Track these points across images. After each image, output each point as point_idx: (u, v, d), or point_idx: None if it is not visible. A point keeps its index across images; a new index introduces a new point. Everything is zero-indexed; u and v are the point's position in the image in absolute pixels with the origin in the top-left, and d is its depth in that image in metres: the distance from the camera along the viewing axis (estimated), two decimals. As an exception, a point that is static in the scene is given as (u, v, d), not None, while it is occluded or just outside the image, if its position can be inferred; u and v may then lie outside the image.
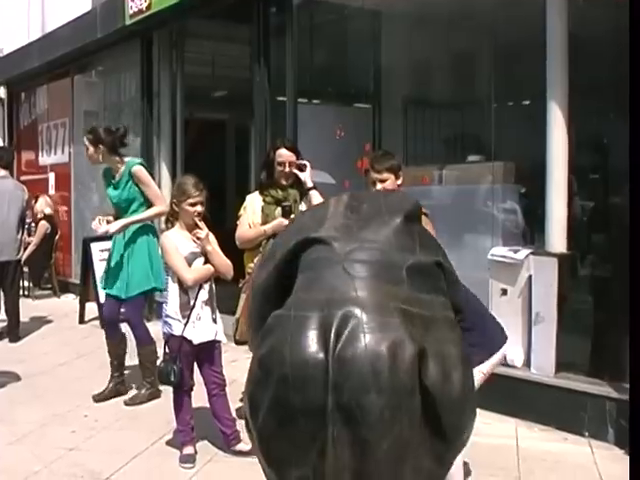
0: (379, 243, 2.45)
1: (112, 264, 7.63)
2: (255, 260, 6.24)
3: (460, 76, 10.28)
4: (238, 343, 6.23)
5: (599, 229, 7.62)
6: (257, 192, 6.51)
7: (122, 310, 7.79)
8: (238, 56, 12.82)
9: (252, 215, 6.39)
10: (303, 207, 6.34)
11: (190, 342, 5.88)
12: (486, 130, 8.16)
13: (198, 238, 5.89)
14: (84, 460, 5.99)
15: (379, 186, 5.85)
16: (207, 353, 6.02)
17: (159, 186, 11.70)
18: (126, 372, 7.92)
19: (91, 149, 7.57)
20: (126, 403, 7.46)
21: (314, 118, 10.15)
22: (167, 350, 5.97)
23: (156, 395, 7.54)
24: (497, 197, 7.72)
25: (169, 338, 5.94)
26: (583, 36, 7.10)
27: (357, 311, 2.28)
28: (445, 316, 2.39)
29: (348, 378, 2.08)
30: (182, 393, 6.02)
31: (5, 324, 10.68)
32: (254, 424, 2.29)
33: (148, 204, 7.61)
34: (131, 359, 7.85)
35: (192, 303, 5.89)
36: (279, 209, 6.37)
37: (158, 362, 6.03)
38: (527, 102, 8.83)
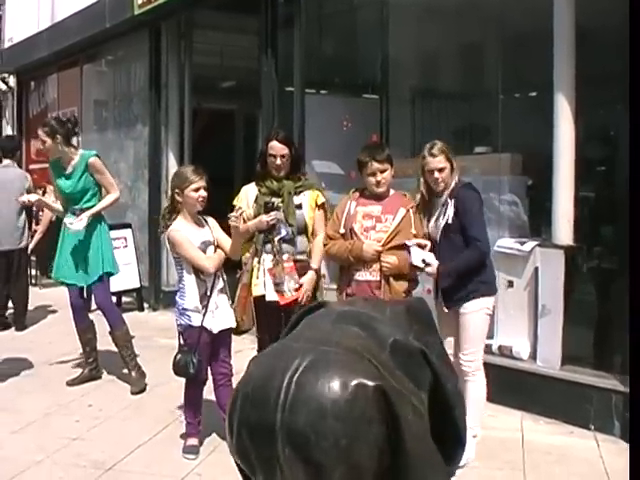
0: (376, 315, 2.45)
1: (66, 253, 7.68)
2: (249, 252, 6.25)
3: (467, 67, 10.24)
4: (235, 333, 6.21)
5: (606, 221, 7.57)
6: (253, 183, 6.48)
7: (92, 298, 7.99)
8: (246, 46, 12.79)
9: (246, 208, 6.36)
10: (296, 200, 6.30)
11: (209, 332, 5.89)
12: (493, 121, 8.12)
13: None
14: (87, 450, 5.99)
15: (379, 177, 5.87)
16: (221, 342, 6.04)
17: (166, 175, 11.74)
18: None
19: (48, 141, 7.62)
20: (133, 392, 7.49)
21: (322, 108, 10.12)
22: (182, 342, 5.95)
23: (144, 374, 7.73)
24: (504, 188, 7.68)
25: (186, 329, 5.92)
26: (590, 27, 7.05)
27: (329, 348, 2.29)
28: (411, 401, 2.37)
29: (306, 403, 2.07)
30: (196, 386, 6.01)
31: (12, 312, 10.71)
32: (229, 442, 2.28)
33: (99, 193, 7.77)
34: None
35: (209, 293, 5.88)
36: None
37: (174, 354, 5.99)
38: (534, 93, 8.78)
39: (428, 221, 5.91)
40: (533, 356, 7.08)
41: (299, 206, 6.29)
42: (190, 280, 5.90)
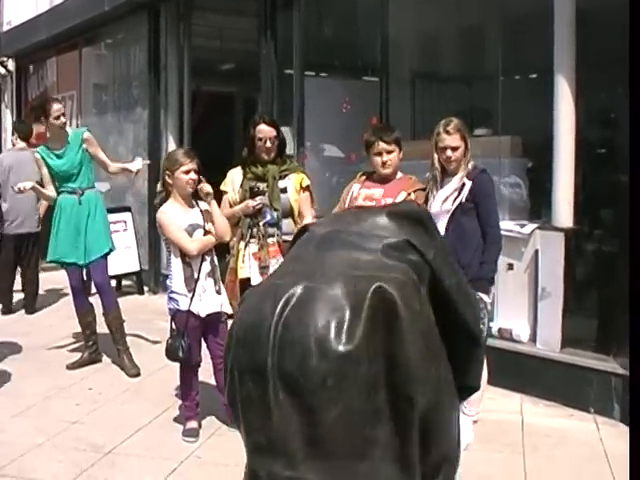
0: (360, 226, 2.43)
1: (63, 233, 7.69)
2: (235, 238, 6.26)
3: (468, 49, 10.19)
4: (229, 317, 6.23)
5: (606, 204, 7.55)
6: (239, 167, 6.50)
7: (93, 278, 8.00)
8: (245, 29, 12.74)
9: (232, 193, 6.40)
10: (282, 184, 6.32)
11: (197, 316, 5.88)
12: (493, 104, 8.09)
13: (206, 194, 5.87)
14: (87, 433, 6.00)
15: (386, 157, 5.86)
16: (213, 326, 6.02)
17: (166, 159, 11.70)
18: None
19: (42, 127, 7.70)
20: (130, 376, 7.50)
21: (321, 91, 10.10)
22: (174, 326, 5.95)
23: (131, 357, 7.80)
24: (504, 171, 7.65)
25: (175, 314, 5.92)
26: (591, 9, 7.01)
27: (315, 284, 2.26)
28: (413, 279, 2.32)
29: (292, 343, 2.06)
30: (189, 369, 6.02)
31: (21, 297, 10.73)
32: (225, 387, 2.25)
33: (93, 170, 7.93)
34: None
35: (196, 276, 5.87)
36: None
37: (166, 339, 6.00)
38: (535, 76, 8.74)
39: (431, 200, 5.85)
40: (533, 339, 7.08)
41: (284, 190, 6.33)
42: (177, 263, 5.91)
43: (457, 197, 5.65)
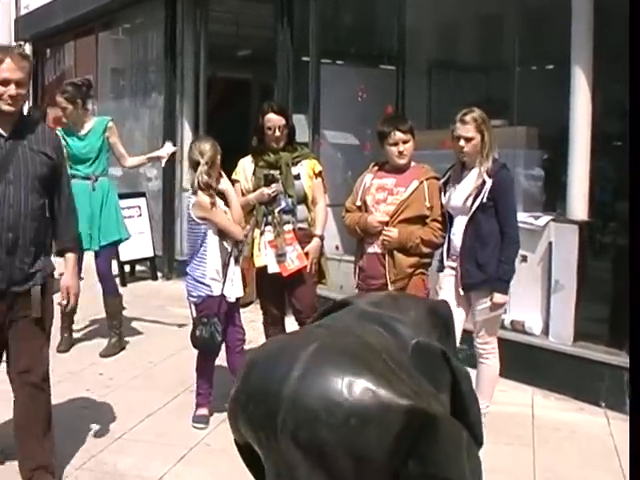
0: (399, 316, 2.43)
1: (79, 218, 7.65)
2: (249, 225, 6.26)
3: (485, 39, 10.14)
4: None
5: (621, 197, 7.49)
6: (249, 156, 6.48)
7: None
8: (262, 15, 12.69)
9: (244, 182, 6.39)
10: (294, 171, 6.31)
11: (227, 300, 5.92)
12: (510, 94, 8.06)
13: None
14: (97, 418, 6.00)
15: (402, 147, 5.77)
16: (235, 309, 6.08)
17: (181, 144, 11.71)
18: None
19: (70, 108, 7.68)
20: (101, 355, 7.66)
21: (337, 79, 10.08)
22: (196, 313, 5.94)
23: (123, 346, 7.90)
24: (519, 162, 7.62)
25: (205, 300, 5.91)
26: (609, 1, 6.95)
27: (347, 338, 2.23)
28: (430, 403, 2.32)
29: (320, 377, 2.04)
30: (212, 356, 6.03)
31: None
32: (229, 408, 2.22)
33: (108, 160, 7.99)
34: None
35: (228, 261, 5.88)
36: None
37: (191, 326, 5.97)
38: (551, 66, 8.69)
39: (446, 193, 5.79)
40: (545, 331, 7.06)
41: (297, 176, 6.32)
42: (214, 248, 5.88)
43: (478, 196, 5.53)
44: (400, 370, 2.24)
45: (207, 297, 5.89)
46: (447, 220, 5.73)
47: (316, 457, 2.10)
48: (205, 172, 5.80)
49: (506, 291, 5.58)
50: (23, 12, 17.67)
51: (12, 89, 4.38)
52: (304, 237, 6.33)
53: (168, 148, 8.08)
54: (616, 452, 5.51)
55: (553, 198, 7.61)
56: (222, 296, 5.89)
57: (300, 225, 6.35)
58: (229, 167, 6.17)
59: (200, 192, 5.82)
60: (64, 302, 4.75)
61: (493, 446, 5.50)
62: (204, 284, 5.88)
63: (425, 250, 5.78)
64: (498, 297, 5.51)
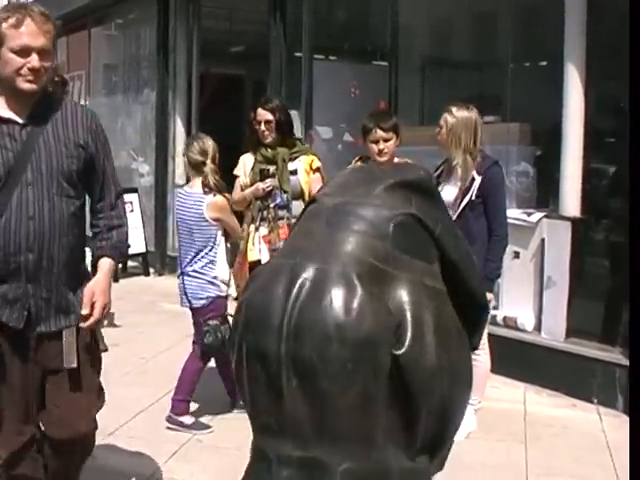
0: (370, 198, 2.40)
1: None
2: (245, 221, 6.26)
3: (478, 35, 10.14)
4: (235, 299, 6.24)
5: (614, 193, 7.50)
6: (250, 152, 6.50)
7: None
8: (255, 11, 12.68)
9: (243, 177, 6.40)
10: (292, 167, 6.30)
11: (232, 299, 5.91)
12: (503, 90, 8.05)
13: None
14: (89, 415, 5.98)
15: (382, 145, 5.72)
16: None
17: (173, 140, 11.71)
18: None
19: None
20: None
21: (330, 74, 10.07)
22: (202, 316, 5.84)
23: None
24: (512, 158, 7.61)
25: (214, 300, 5.86)
26: (602, -4, 6.97)
27: (329, 265, 2.22)
28: (423, 282, 2.34)
29: (309, 330, 2.03)
30: (208, 360, 6.00)
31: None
32: (232, 366, 2.23)
33: None
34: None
35: (232, 261, 5.95)
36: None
37: (205, 331, 5.87)
38: (544, 63, 8.69)
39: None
40: (538, 328, 7.06)
41: (294, 172, 6.30)
42: (222, 249, 5.88)
43: (466, 194, 5.51)
44: (389, 264, 2.22)
45: (217, 297, 5.86)
46: None
47: (321, 405, 2.10)
48: (214, 171, 5.80)
49: (491, 289, 5.55)
50: (15, 8, 17.59)
51: (34, 60, 3.31)
52: None
53: None
54: (608, 448, 5.51)
55: (546, 194, 7.60)
56: (228, 295, 5.91)
57: (294, 221, 6.33)
58: (222, 164, 6.14)
59: (217, 193, 5.82)
60: (85, 311, 3.48)
61: (485, 442, 5.51)
62: (215, 284, 5.86)
63: None
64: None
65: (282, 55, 9.85)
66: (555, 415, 6.22)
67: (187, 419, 5.87)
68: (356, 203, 2.34)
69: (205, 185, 5.81)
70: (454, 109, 5.65)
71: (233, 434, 5.50)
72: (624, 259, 6.91)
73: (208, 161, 5.77)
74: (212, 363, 6.14)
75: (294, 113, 9.40)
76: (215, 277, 5.85)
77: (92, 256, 3.70)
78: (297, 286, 2.12)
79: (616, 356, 6.38)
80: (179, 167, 12.05)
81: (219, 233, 5.85)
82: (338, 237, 2.23)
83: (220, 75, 14.89)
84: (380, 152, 5.74)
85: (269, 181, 6.20)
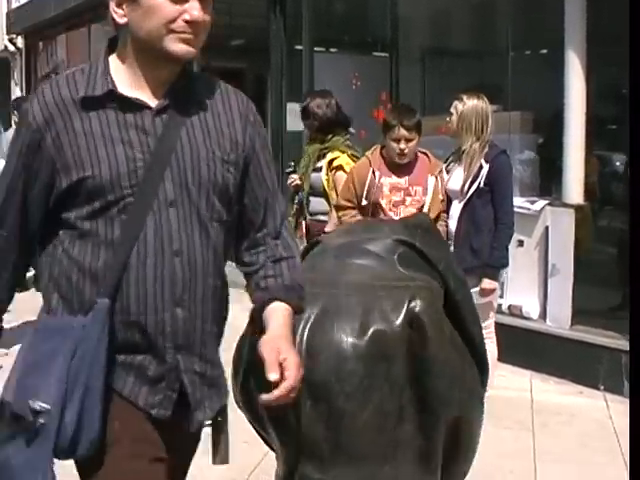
0: (374, 235, 2.42)
1: None
2: None
3: (478, 25, 10.13)
4: None
5: (617, 180, 7.52)
6: None
7: None
8: (255, 4, 12.63)
9: None
10: (320, 164, 6.30)
11: None
12: (504, 79, 8.04)
13: None
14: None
15: (404, 145, 5.43)
16: None
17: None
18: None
19: None
20: None
21: (331, 67, 10.06)
22: None
23: None
24: (514, 147, 7.61)
25: None
26: (602, -17, 6.96)
27: (339, 290, 2.25)
28: (432, 286, 2.35)
29: (324, 350, 2.04)
30: None
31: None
32: (236, 387, 2.24)
33: None
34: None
35: None
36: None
37: None
38: (545, 51, 8.68)
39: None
40: (543, 316, 7.06)
41: (319, 169, 6.28)
42: None
43: (474, 181, 5.50)
44: (397, 282, 2.24)
45: None
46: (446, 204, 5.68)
47: (337, 425, 2.11)
48: None
49: (496, 277, 5.56)
50: (15, 5, 17.60)
51: (195, 8, 2.20)
52: (318, 230, 6.04)
53: None
54: (615, 434, 5.52)
55: (549, 182, 7.61)
56: None
57: (316, 217, 6.31)
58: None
59: None
60: (274, 376, 2.08)
61: (493, 430, 5.50)
62: None
63: None
64: (487, 283, 5.49)
65: (282, 48, 9.85)
66: (562, 402, 6.23)
67: None
68: (361, 241, 2.37)
69: None
70: (465, 97, 5.65)
71: (240, 427, 5.51)
72: (628, 245, 6.95)
73: None
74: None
75: (295, 106, 9.41)
76: None
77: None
78: (307, 311, 2.13)
79: (622, 342, 6.37)
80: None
81: None
82: (346, 268, 2.25)
83: (221, 69, 14.83)
84: (401, 153, 5.46)
85: (292, 177, 6.33)
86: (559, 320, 6.86)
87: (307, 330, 2.15)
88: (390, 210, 5.48)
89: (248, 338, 2.33)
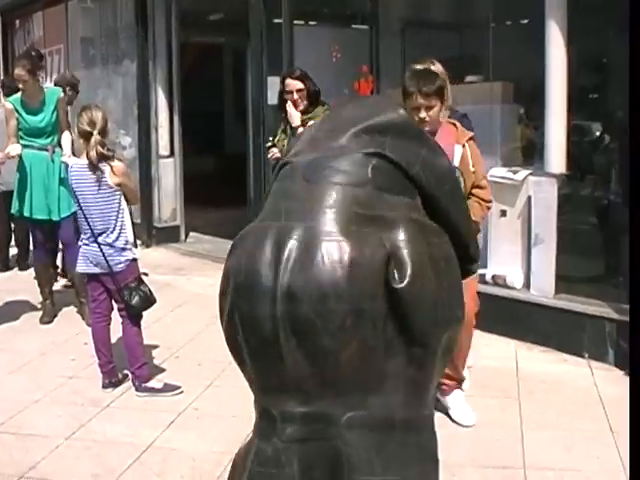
0: (343, 148, 2.39)
1: (36, 190, 7.69)
2: None
3: (458, -4, 10.11)
4: None
5: (598, 149, 7.54)
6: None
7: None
8: (233, -23, 12.60)
9: None
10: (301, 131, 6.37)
11: None
12: (484, 50, 8.04)
13: None
14: (84, 387, 6.01)
15: (424, 113, 4.93)
16: None
17: (155, 110, 11.67)
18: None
19: (30, 80, 7.60)
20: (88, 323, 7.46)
21: (311, 40, 10.02)
22: (121, 280, 5.91)
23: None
24: (496, 117, 7.63)
25: (129, 264, 5.95)
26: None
27: (315, 222, 2.22)
28: (411, 217, 2.34)
29: (305, 288, 2.04)
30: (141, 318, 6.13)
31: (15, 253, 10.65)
32: (223, 331, 2.24)
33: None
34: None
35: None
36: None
37: (126, 293, 5.91)
38: (526, 21, 8.68)
39: None
40: (527, 285, 7.10)
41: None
42: (127, 212, 5.97)
43: None
44: (373, 207, 2.23)
45: (132, 260, 5.97)
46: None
47: (322, 362, 2.12)
48: (99, 142, 5.79)
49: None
50: (-10, -17, 17.45)
51: None
52: None
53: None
54: (601, 401, 5.57)
55: (531, 152, 7.64)
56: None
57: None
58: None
59: (115, 159, 5.89)
60: None
61: (479, 400, 5.56)
62: (128, 248, 5.93)
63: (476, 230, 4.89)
64: None
65: (262, 22, 9.79)
66: (547, 371, 6.27)
67: (155, 383, 5.96)
68: (329, 157, 2.33)
69: (99, 155, 5.80)
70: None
71: (228, 401, 5.54)
72: (610, 213, 6.99)
73: (95, 132, 5.77)
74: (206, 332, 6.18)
75: (276, 80, 9.38)
76: (127, 242, 5.92)
77: None
78: (287, 247, 2.12)
79: (606, 310, 6.43)
80: (162, 138, 12.03)
81: (122, 198, 5.89)
82: (319, 192, 2.22)
83: (200, 44, 14.81)
84: (421, 121, 4.89)
85: (272, 151, 6.49)
86: (543, 289, 6.90)
87: (289, 267, 2.14)
88: None
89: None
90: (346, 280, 2.11)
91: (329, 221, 2.19)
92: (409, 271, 2.15)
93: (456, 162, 4.94)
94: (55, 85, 9.26)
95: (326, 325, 2.09)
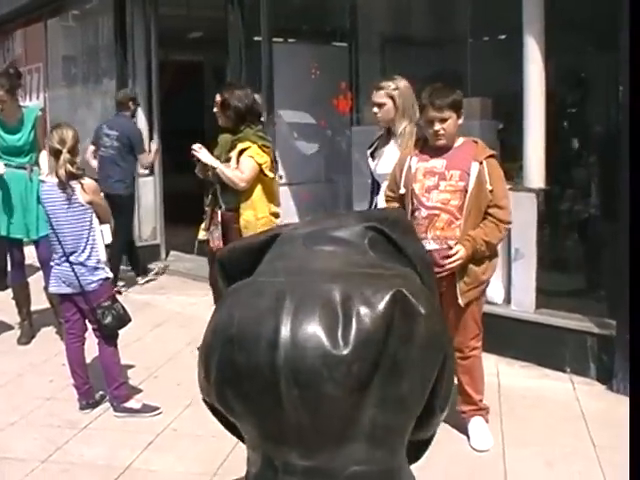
0: (342, 226, 2.39)
1: (16, 207, 7.64)
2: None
3: (436, 12, 10.12)
4: None
5: (577, 164, 7.56)
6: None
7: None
8: (212, -4, 12.61)
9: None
10: (232, 154, 6.38)
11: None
12: (463, 66, 8.07)
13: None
14: (62, 409, 5.96)
15: (438, 126, 4.93)
16: None
17: (135, 129, 11.63)
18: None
19: (8, 100, 7.56)
20: None
21: (290, 57, 10.02)
22: (94, 300, 5.86)
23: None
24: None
25: (104, 282, 5.92)
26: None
27: (317, 276, 2.21)
28: (408, 271, 2.32)
29: (310, 337, 2.01)
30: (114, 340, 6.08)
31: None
32: (204, 386, 2.23)
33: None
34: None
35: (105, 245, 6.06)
36: None
37: (99, 313, 5.87)
38: (503, 37, 8.71)
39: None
40: (507, 300, 7.08)
41: (229, 159, 6.40)
42: (99, 231, 5.92)
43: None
44: (372, 269, 2.23)
45: (105, 279, 5.94)
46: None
47: (325, 411, 2.09)
48: (69, 160, 5.77)
49: None
50: (-31, 2, 17.41)
51: None
52: (228, 221, 6.45)
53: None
54: (583, 416, 5.55)
55: (510, 167, 7.62)
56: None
57: (229, 207, 6.46)
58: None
59: (86, 177, 5.90)
60: None
61: (460, 416, 5.53)
62: (100, 267, 5.89)
63: (491, 252, 5.13)
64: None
65: (241, 40, 9.79)
66: (528, 386, 6.26)
67: (134, 404, 5.93)
68: (329, 229, 2.34)
69: (68, 173, 5.76)
70: (390, 83, 5.70)
71: (207, 422, 5.48)
72: (590, 227, 7.00)
73: (64, 150, 5.75)
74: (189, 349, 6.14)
75: (256, 97, 9.39)
76: (98, 261, 5.89)
77: None
78: (287, 299, 2.10)
79: (587, 324, 6.42)
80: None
81: (93, 216, 5.86)
82: (318, 255, 2.22)
83: (179, 62, 14.82)
84: (436, 134, 4.94)
85: (197, 169, 6.60)
86: (523, 304, 6.88)
87: (291, 316, 2.11)
88: (422, 195, 5.00)
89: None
90: (351, 328, 2.10)
91: (327, 276, 2.18)
92: (418, 310, 2.15)
93: (472, 180, 4.88)
94: (118, 103, 9.33)
95: (331, 373, 2.06)
